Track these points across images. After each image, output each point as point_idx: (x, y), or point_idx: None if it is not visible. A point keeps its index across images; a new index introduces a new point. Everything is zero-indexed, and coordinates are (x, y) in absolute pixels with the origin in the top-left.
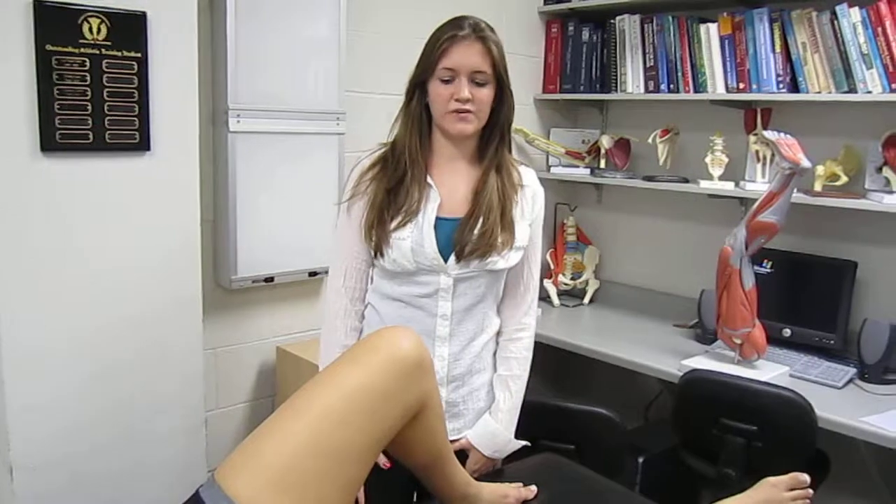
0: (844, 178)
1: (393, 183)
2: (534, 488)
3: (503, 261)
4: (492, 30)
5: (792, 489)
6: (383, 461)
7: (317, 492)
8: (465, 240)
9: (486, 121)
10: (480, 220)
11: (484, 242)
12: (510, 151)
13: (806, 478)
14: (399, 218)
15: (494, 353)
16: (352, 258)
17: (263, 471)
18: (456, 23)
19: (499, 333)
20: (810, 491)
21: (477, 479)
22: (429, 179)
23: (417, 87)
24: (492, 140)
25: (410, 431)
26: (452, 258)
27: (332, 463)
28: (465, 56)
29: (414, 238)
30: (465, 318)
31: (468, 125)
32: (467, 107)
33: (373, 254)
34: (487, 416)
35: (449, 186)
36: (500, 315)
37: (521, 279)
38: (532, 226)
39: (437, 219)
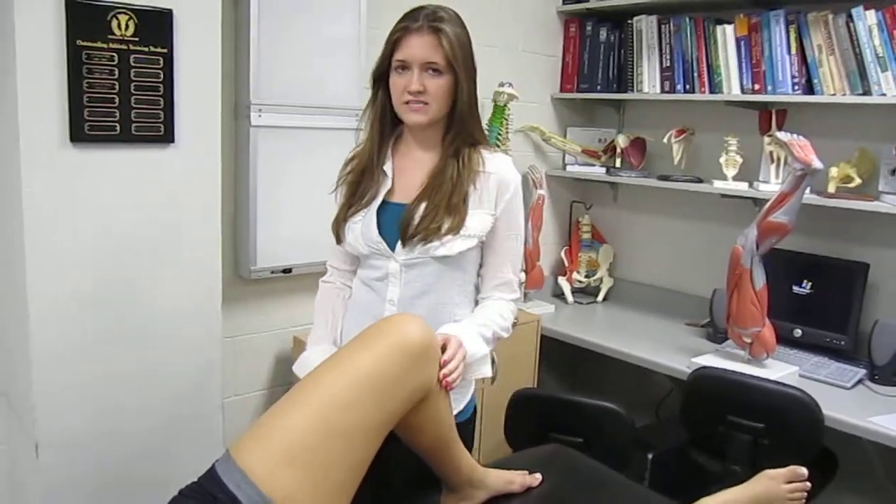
0: (858, 181)
1: (358, 176)
2: (538, 475)
3: (444, 248)
4: (454, 17)
5: (790, 482)
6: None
7: (325, 469)
8: (408, 223)
9: (449, 110)
10: (424, 204)
11: (424, 226)
12: (479, 141)
13: (804, 471)
14: (356, 205)
15: None
16: (333, 239)
17: (275, 447)
18: (412, 14)
19: None
20: (808, 484)
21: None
22: (385, 167)
23: (380, 81)
24: (451, 129)
25: (417, 415)
26: (399, 243)
27: (340, 442)
28: (416, 48)
29: (364, 222)
30: (413, 307)
31: (422, 116)
32: (420, 98)
33: (335, 240)
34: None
35: (408, 173)
36: (477, 298)
37: (499, 274)
38: (501, 216)
39: (390, 204)
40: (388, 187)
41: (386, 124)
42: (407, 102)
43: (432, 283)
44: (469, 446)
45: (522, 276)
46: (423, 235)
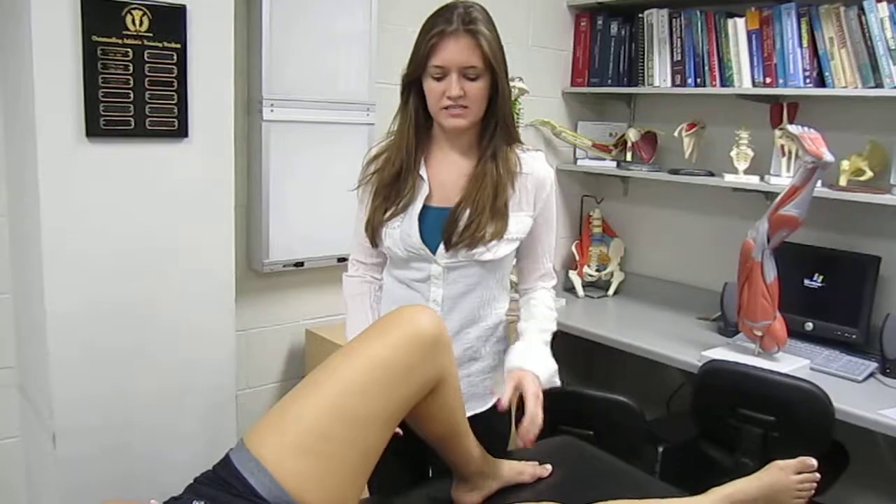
0: (869, 174)
1: (390, 179)
2: (549, 467)
3: (490, 253)
4: (485, 16)
5: (799, 473)
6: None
7: (337, 456)
8: (452, 229)
9: (484, 111)
10: (468, 210)
11: (470, 233)
12: (514, 139)
13: (813, 462)
14: (392, 209)
15: (500, 341)
16: (361, 237)
17: (289, 436)
18: (445, 15)
19: (510, 310)
20: (817, 475)
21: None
22: (421, 171)
23: (412, 85)
24: (487, 130)
25: (428, 405)
26: (442, 247)
27: (351, 430)
28: (454, 52)
29: (403, 227)
30: (456, 306)
31: (461, 121)
32: (460, 102)
33: (370, 243)
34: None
35: (444, 177)
36: (517, 289)
37: (538, 266)
38: (540, 213)
39: (429, 208)
40: (427, 192)
41: (420, 128)
42: (446, 107)
43: (475, 283)
44: (506, 430)
45: None
46: (469, 242)
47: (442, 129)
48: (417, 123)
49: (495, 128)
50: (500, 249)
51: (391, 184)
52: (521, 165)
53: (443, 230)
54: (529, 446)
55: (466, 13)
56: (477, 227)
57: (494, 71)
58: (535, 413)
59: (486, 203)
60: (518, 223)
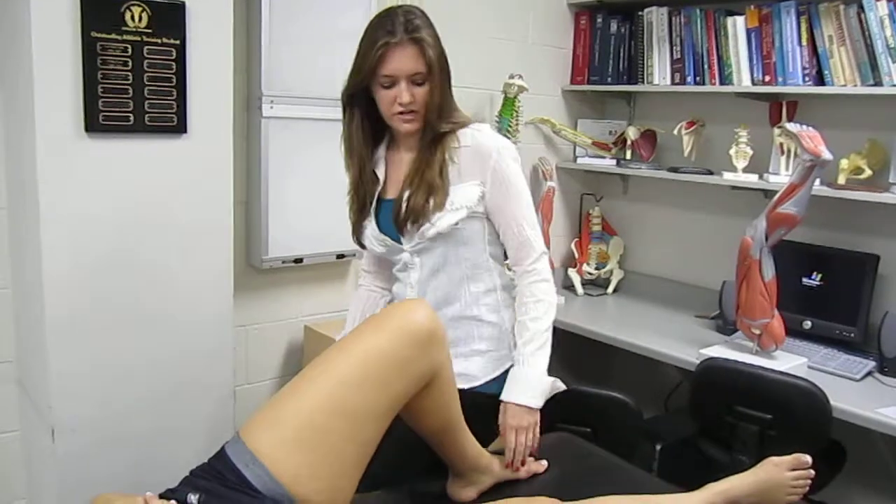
0: (868, 172)
1: (354, 187)
2: (544, 462)
3: (434, 227)
4: (425, 20)
5: (794, 469)
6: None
7: (333, 450)
8: (397, 213)
9: None
10: (408, 190)
11: (410, 208)
12: (455, 122)
13: (808, 458)
14: (363, 211)
15: (491, 325)
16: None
17: (283, 428)
18: (386, 26)
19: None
20: (811, 472)
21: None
22: (378, 170)
23: (356, 96)
24: (428, 124)
25: (423, 399)
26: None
27: (346, 423)
28: (401, 62)
29: (370, 224)
30: (427, 287)
31: (414, 125)
32: (410, 108)
33: (360, 247)
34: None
35: (397, 171)
36: (510, 272)
37: (513, 236)
38: (493, 182)
39: (384, 201)
40: (380, 187)
41: (370, 137)
42: (399, 113)
43: (441, 262)
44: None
45: None
46: (414, 219)
47: (394, 130)
48: (367, 133)
49: (432, 126)
50: (445, 220)
51: (357, 190)
52: (459, 140)
53: (393, 216)
54: (524, 475)
55: (408, 21)
56: (416, 202)
57: (439, 72)
58: (510, 445)
59: (422, 180)
60: (463, 192)
